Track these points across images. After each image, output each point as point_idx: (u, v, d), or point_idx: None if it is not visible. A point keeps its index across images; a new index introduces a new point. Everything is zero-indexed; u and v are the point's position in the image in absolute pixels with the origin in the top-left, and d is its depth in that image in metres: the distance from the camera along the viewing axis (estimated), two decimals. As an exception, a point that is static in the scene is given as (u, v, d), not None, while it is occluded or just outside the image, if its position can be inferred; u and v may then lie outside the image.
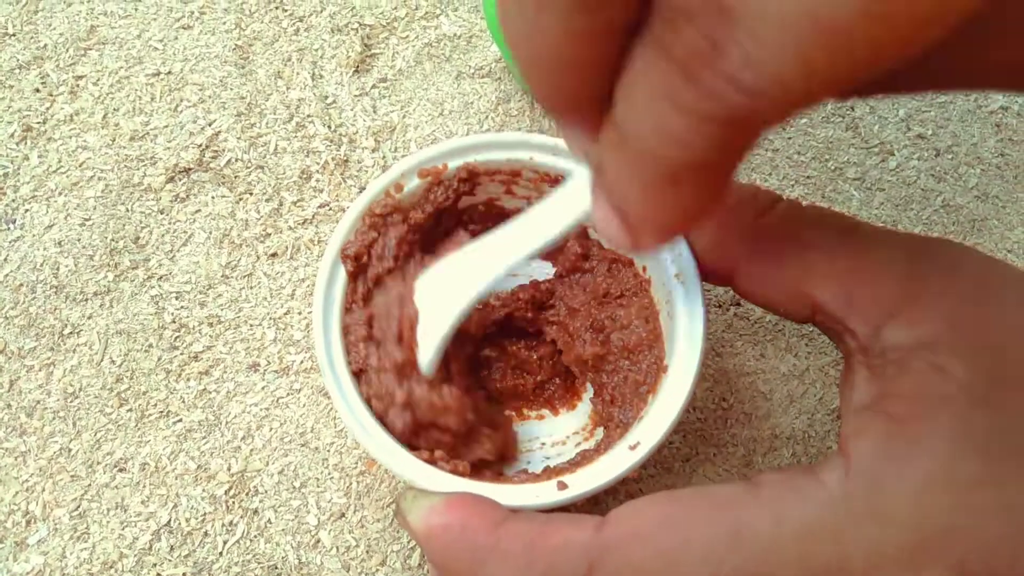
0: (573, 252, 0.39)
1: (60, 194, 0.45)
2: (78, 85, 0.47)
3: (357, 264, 0.35)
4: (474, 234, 0.40)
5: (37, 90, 0.47)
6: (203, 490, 0.39)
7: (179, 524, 0.39)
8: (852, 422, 0.28)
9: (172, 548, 0.38)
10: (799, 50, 0.17)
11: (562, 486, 0.31)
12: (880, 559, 0.25)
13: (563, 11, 0.20)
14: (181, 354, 0.42)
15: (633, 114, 0.20)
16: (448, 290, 0.33)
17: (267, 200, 0.45)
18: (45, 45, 0.48)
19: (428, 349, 0.33)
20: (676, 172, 0.21)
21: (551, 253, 0.41)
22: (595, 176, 0.25)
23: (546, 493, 0.31)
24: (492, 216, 0.40)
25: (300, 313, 0.43)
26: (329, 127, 0.46)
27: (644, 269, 0.37)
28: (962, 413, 0.26)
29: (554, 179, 0.37)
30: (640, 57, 0.19)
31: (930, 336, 0.28)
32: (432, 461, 0.32)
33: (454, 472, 0.32)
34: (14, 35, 0.48)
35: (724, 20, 0.17)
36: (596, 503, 0.39)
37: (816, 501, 0.26)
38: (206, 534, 0.39)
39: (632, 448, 0.32)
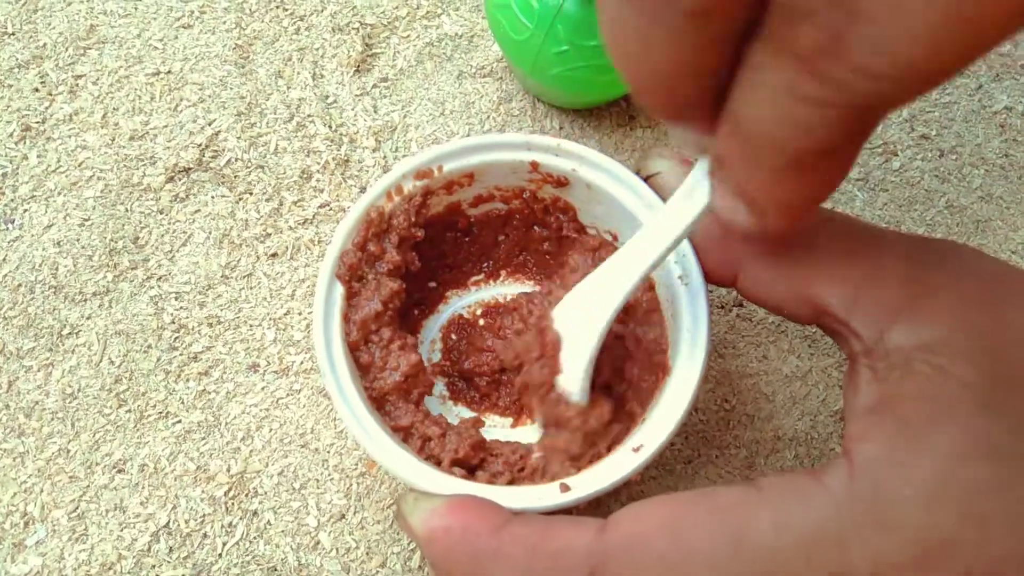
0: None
1: (59, 194, 0.44)
2: (77, 84, 0.47)
3: (352, 277, 0.35)
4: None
5: (36, 89, 0.47)
6: (202, 491, 0.39)
7: (178, 525, 0.39)
8: (856, 425, 0.28)
9: (171, 549, 0.38)
10: (928, 32, 0.18)
11: (565, 488, 0.31)
12: (884, 566, 0.24)
13: (678, 24, 0.20)
14: (180, 355, 0.42)
15: (756, 109, 0.21)
16: (587, 313, 0.33)
17: (267, 200, 0.44)
18: (44, 44, 0.48)
19: (577, 373, 0.33)
20: (802, 158, 0.22)
21: (535, 271, 0.41)
22: (716, 167, 0.26)
23: (548, 495, 0.31)
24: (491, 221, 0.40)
25: (300, 313, 0.42)
26: (330, 127, 0.46)
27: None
28: (968, 417, 0.26)
29: (557, 180, 0.37)
30: (759, 54, 0.20)
31: (935, 338, 0.28)
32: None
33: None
34: (13, 34, 0.48)
35: (846, 14, 0.18)
36: (598, 505, 0.38)
37: (819, 506, 0.25)
38: (205, 535, 0.38)
39: (635, 450, 0.31)
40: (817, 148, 0.21)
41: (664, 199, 0.35)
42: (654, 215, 0.32)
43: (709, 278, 0.34)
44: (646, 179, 0.35)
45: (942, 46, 0.18)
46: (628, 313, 0.38)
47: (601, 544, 0.27)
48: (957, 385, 0.26)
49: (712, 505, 0.26)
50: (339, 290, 0.35)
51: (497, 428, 0.39)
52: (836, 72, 0.19)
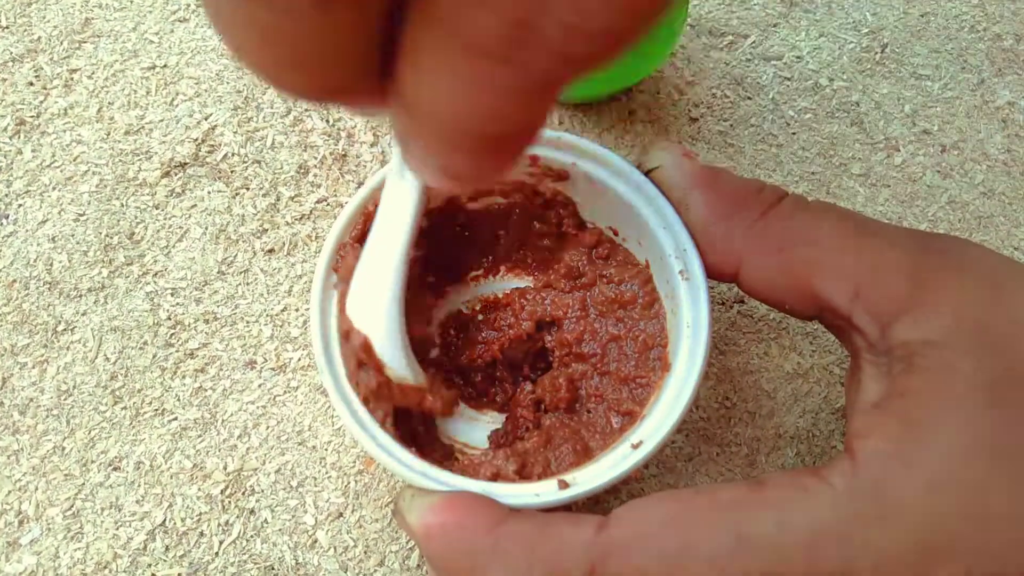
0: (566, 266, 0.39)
1: (54, 189, 0.44)
2: (72, 78, 0.47)
3: (349, 272, 0.35)
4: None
5: (31, 83, 0.46)
6: (199, 489, 0.39)
7: (174, 524, 0.38)
8: (859, 421, 0.28)
9: (167, 548, 0.38)
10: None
11: (563, 485, 0.31)
12: (886, 563, 0.24)
13: (305, 10, 0.17)
14: (176, 351, 0.41)
15: (429, 95, 0.19)
16: (371, 305, 0.33)
17: (264, 195, 0.44)
18: (39, 38, 0.47)
19: (397, 362, 0.33)
20: (487, 140, 0.20)
21: (534, 266, 0.41)
22: (400, 144, 0.22)
23: (546, 492, 0.31)
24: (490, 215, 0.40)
25: (297, 310, 0.42)
26: (327, 121, 0.45)
27: (647, 264, 0.37)
28: (972, 413, 0.26)
29: (556, 174, 0.36)
30: (424, 36, 0.18)
31: (939, 334, 0.27)
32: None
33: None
34: (7, 27, 0.48)
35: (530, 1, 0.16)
36: (597, 503, 0.38)
37: (822, 503, 0.25)
38: (202, 534, 0.38)
39: (635, 447, 0.31)
40: (498, 132, 0.19)
41: (665, 193, 0.34)
42: (384, 196, 0.32)
43: (710, 273, 0.33)
44: (647, 173, 0.35)
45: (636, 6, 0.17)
46: (625, 309, 0.37)
47: (601, 541, 0.26)
48: (961, 381, 0.26)
49: (714, 502, 0.26)
50: (336, 285, 0.34)
51: (494, 424, 0.38)
52: (522, 56, 0.17)
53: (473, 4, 0.16)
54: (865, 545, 0.24)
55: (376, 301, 0.32)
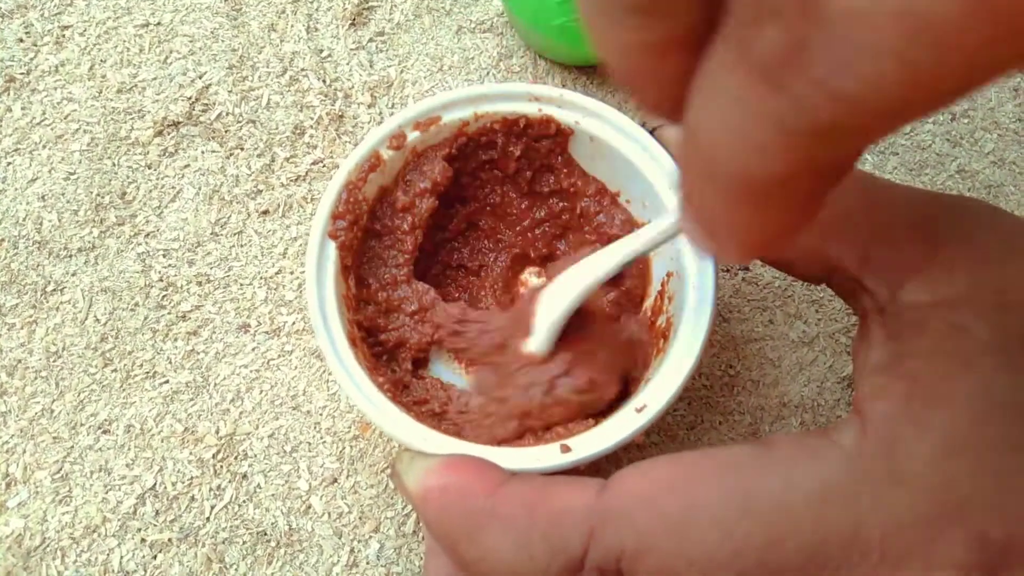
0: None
1: (44, 147, 0.43)
2: (63, 35, 0.46)
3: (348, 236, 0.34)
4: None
5: (21, 40, 0.45)
6: (190, 453, 0.38)
7: (165, 488, 0.38)
8: (868, 383, 0.27)
9: (157, 512, 0.37)
10: (897, 49, 0.14)
11: (565, 449, 0.30)
12: (897, 525, 0.23)
13: (617, 23, 0.18)
14: (168, 313, 0.40)
15: (708, 119, 0.18)
16: (564, 287, 0.33)
17: (259, 156, 0.43)
18: (30, -6, 0.46)
19: (540, 335, 0.33)
20: (758, 187, 0.18)
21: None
22: (678, 182, 0.22)
23: (548, 456, 0.30)
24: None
25: (292, 272, 0.41)
26: (324, 81, 0.44)
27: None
28: (984, 374, 0.25)
29: (555, 132, 0.35)
30: (716, 56, 0.17)
31: (951, 295, 0.27)
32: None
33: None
34: (-3, -17, 0.47)
35: (813, 17, 0.15)
36: (598, 471, 0.37)
37: (830, 463, 0.24)
38: (193, 498, 0.37)
39: (638, 411, 0.30)
40: (771, 174, 0.18)
41: (669, 151, 0.34)
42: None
43: (716, 235, 0.33)
44: (652, 132, 0.34)
45: (915, 67, 0.14)
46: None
47: (603, 503, 0.25)
48: (973, 342, 0.25)
49: (719, 463, 0.25)
50: (333, 248, 0.33)
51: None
52: (795, 85, 0.15)
53: (762, 18, 0.15)
54: (875, 506, 0.23)
55: (574, 284, 0.33)
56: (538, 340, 0.33)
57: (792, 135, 0.16)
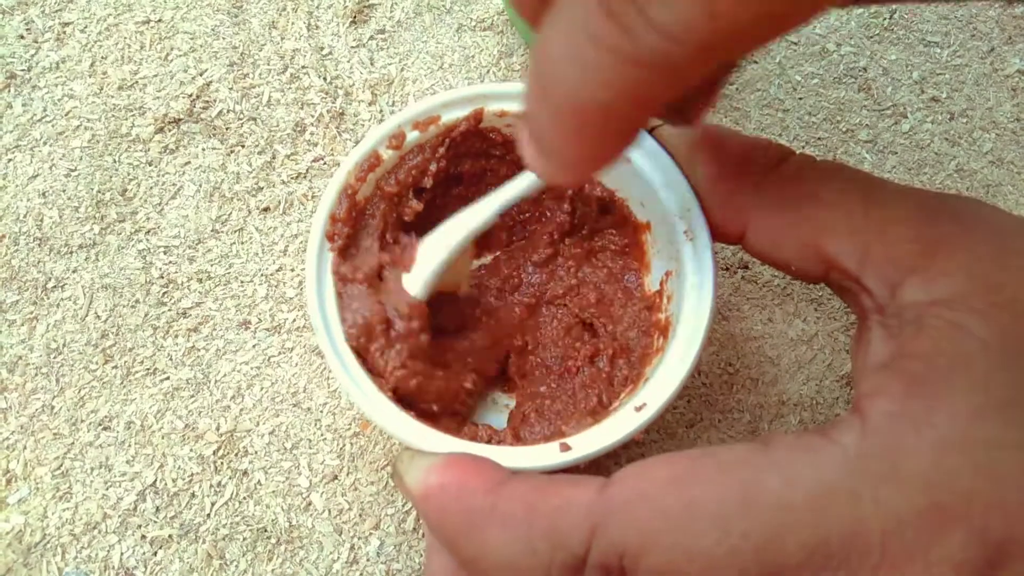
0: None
1: (45, 144, 0.43)
2: (64, 32, 0.46)
3: (344, 241, 0.34)
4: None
5: (22, 36, 0.45)
6: (190, 450, 0.38)
7: (165, 485, 0.38)
8: (867, 381, 0.27)
9: (158, 509, 0.37)
10: None
11: (565, 447, 0.30)
12: (898, 523, 0.23)
13: None
14: (169, 310, 0.40)
15: (550, 43, 0.20)
16: (442, 238, 0.33)
17: (259, 153, 0.43)
18: (30, -10, 0.46)
19: (422, 273, 0.33)
20: (586, 107, 0.21)
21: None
22: (523, 111, 0.25)
23: (547, 455, 0.30)
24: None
25: (293, 270, 0.41)
26: (325, 79, 0.44)
27: (648, 224, 0.36)
28: (983, 372, 0.25)
29: None
30: None
31: (949, 293, 0.27)
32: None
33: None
34: (-2, -21, 0.47)
35: None
36: (598, 469, 0.38)
37: (830, 461, 0.24)
38: (193, 495, 0.37)
39: (637, 410, 0.30)
40: (600, 99, 0.20)
41: (670, 150, 0.34)
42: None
43: (715, 234, 0.33)
44: (651, 130, 0.34)
45: (717, 8, 0.18)
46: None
47: (603, 501, 0.26)
48: (972, 341, 0.25)
49: (719, 462, 0.25)
50: (333, 248, 0.33)
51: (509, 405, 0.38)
52: (630, 20, 0.18)
53: None
54: (875, 504, 0.23)
55: (451, 234, 0.33)
56: (414, 282, 0.33)
57: (621, 62, 0.19)
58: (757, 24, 0.18)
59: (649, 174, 0.34)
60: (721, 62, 0.20)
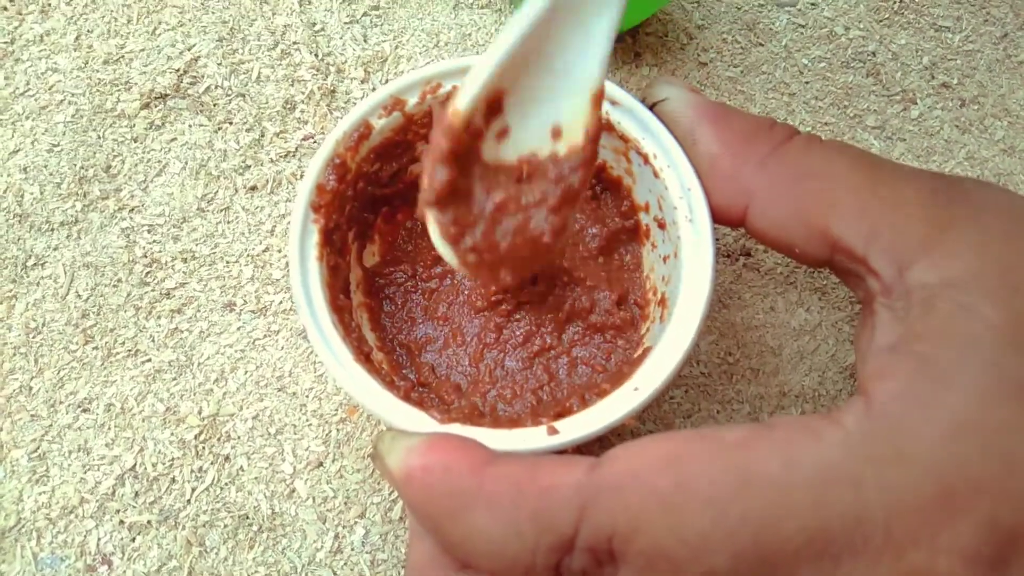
0: None
1: (27, 118, 0.42)
2: (49, 4, 0.44)
3: (328, 217, 0.33)
4: None
5: (4, 8, 0.44)
6: (171, 434, 0.37)
7: (145, 469, 0.36)
8: (873, 364, 0.26)
9: (137, 494, 0.36)
10: None
11: (552, 431, 0.29)
12: (902, 509, 0.22)
13: None
14: (152, 290, 0.39)
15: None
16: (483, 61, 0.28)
17: (248, 130, 0.42)
18: (17, -38, 0.45)
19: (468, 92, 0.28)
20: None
21: None
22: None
23: (534, 438, 0.29)
24: None
25: (280, 251, 0.40)
26: (316, 55, 0.43)
27: (647, 205, 0.35)
28: (992, 355, 0.24)
29: None
30: None
31: (958, 275, 0.26)
32: None
33: None
34: (-16, -49, 0.45)
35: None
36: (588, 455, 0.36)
37: (833, 443, 0.23)
38: (173, 480, 0.36)
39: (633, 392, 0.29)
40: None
41: (671, 127, 0.32)
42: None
43: (716, 215, 0.31)
44: (652, 107, 0.33)
45: None
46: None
47: (594, 480, 0.24)
48: (981, 323, 0.24)
49: (717, 441, 0.24)
50: (318, 222, 0.32)
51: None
52: None
53: None
54: (879, 488, 0.22)
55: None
56: (462, 98, 0.28)
57: None
58: None
59: (649, 151, 0.33)
60: None
